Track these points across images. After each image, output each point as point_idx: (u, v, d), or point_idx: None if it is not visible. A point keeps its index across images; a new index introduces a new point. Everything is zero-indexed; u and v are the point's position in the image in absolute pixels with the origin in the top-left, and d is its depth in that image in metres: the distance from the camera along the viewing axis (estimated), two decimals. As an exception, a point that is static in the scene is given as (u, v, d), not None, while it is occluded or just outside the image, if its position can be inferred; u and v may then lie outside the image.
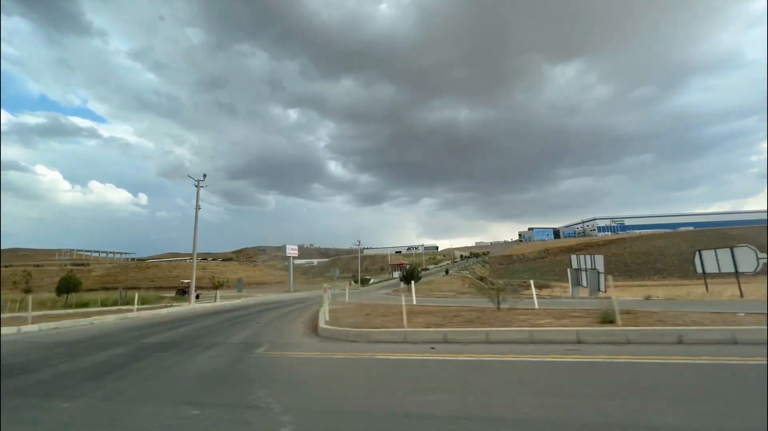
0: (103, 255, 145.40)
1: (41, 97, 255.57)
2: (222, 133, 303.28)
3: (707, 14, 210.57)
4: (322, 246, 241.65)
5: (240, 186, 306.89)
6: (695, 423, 2.77)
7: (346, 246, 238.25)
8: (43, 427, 3.28)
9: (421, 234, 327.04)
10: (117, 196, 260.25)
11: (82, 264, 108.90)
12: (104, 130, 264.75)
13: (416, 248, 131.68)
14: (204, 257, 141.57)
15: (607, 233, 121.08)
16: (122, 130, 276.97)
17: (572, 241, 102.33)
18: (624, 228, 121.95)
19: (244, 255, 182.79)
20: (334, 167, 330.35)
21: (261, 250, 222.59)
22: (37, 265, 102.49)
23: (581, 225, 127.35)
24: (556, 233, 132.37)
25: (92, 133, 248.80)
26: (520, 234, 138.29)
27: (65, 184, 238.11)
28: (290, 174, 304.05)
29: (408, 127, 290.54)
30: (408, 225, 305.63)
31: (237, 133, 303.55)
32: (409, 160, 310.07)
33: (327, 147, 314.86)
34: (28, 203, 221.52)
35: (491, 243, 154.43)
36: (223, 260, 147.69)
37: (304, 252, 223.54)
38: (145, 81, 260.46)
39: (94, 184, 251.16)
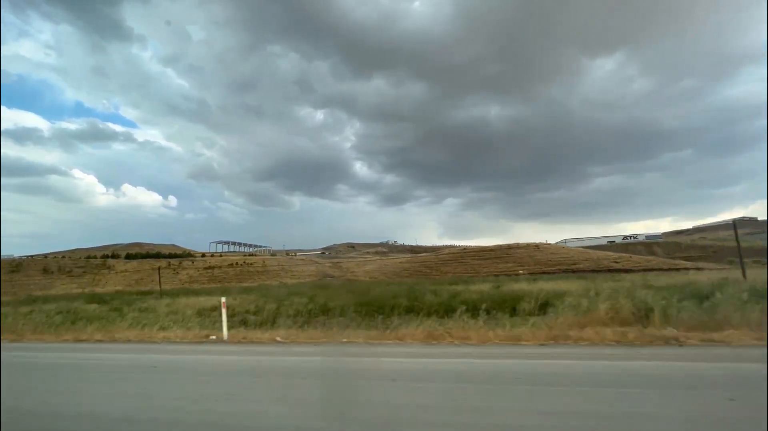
0: (245, 249, 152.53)
1: (77, 104, 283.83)
2: (250, 136, 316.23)
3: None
4: (406, 243, 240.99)
5: (265, 187, 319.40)
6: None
7: (429, 243, 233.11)
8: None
9: (441, 234, 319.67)
10: (148, 199, 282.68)
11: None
12: (136, 135, 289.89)
13: (634, 237, 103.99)
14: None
15: None
16: (152, 135, 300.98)
17: None
18: None
19: (334, 253, 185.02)
20: (359, 167, 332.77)
21: (350, 247, 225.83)
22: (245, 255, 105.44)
23: None
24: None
25: (128, 138, 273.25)
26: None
27: (101, 187, 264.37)
28: (316, 175, 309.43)
29: (436, 126, 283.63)
30: (429, 226, 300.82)
31: (265, 135, 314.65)
32: (435, 159, 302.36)
33: (353, 147, 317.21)
34: (66, 206, 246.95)
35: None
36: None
37: (391, 249, 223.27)
38: (177, 85, 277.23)
39: (126, 187, 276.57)
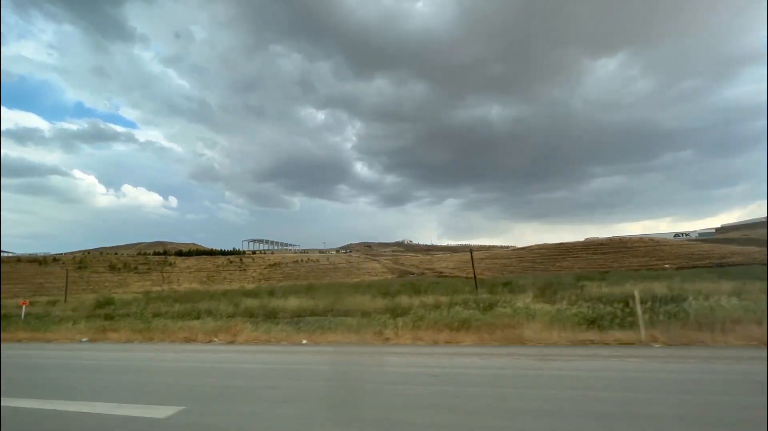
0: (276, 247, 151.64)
1: (77, 105, 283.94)
2: (252, 136, 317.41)
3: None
4: (421, 243, 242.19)
5: (267, 188, 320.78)
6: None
7: (443, 243, 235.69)
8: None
9: (441, 234, 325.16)
10: (149, 199, 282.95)
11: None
12: (137, 136, 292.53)
13: (686, 234, 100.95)
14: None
15: None
16: (153, 135, 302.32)
17: None
18: None
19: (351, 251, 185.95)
20: (360, 168, 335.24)
21: (366, 246, 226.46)
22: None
23: None
24: None
25: (129, 138, 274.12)
26: None
27: (101, 188, 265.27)
28: (316, 175, 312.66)
29: (438, 126, 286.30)
30: (429, 226, 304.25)
31: (266, 136, 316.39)
32: (436, 159, 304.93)
33: (354, 147, 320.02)
34: (67, 206, 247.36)
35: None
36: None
37: (408, 248, 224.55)
38: (178, 86, 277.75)
39: (127, 188, 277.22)
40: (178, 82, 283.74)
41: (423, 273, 70.15)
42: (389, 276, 70.17)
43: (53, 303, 31.89)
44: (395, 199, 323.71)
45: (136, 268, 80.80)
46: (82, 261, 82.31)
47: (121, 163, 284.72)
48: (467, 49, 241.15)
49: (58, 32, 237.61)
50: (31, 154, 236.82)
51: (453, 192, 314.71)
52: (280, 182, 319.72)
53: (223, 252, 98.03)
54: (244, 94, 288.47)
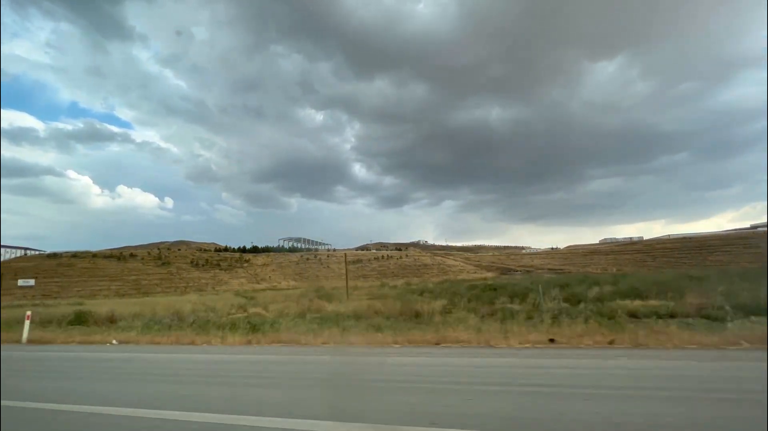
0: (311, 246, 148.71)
1: (72, 105, 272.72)
2: (250, 137, 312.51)
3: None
4: (435, 243, 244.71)
5: (264, 189, 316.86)
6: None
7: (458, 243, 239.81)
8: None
9: (438, 236, 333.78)
10: (144, 200, 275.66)
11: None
12: (133, 136, 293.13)
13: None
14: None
15: None
16: (149, 136, 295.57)
17: None
18: None
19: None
20: (359, 169, 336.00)
21: (383, 246, 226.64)
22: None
23: None
24: None
25: (125, 138, 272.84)
26: None
27: (96, 189, 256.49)
28: (315, 176, 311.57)
29: (437, 128, 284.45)
30: (427, 227, 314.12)
31: (265, 136, 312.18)
32: (435, 161, 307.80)
33: (353, 149, 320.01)
34: (62, 207, 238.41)
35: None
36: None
37: (425, 248, 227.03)
38: (176, 86, 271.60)
39: (122, 189, 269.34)
40: (176, 82, 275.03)
41: (529, 271, 71.85)
42: (488, 274, 71.78)
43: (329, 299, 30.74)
44: (393, 201, 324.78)
45: (218, 265, 78.19)
46: (161, 257, 78.66)
47: (117, 164, 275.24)
48: (468, 51, 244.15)
49: (56, 30, 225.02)
50: (25, 155, 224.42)
51: (451, 193, 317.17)
52: (278, 183, 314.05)
53: (290, 250, 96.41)
54: (243, 94, 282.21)
